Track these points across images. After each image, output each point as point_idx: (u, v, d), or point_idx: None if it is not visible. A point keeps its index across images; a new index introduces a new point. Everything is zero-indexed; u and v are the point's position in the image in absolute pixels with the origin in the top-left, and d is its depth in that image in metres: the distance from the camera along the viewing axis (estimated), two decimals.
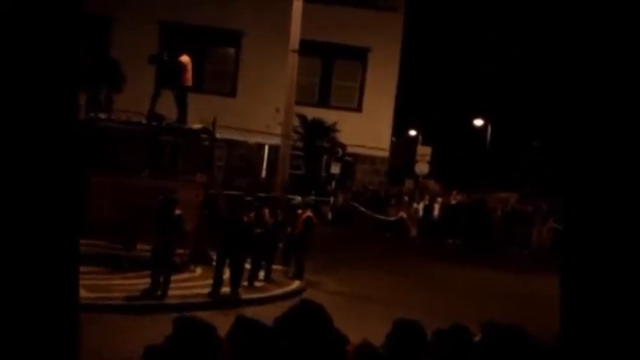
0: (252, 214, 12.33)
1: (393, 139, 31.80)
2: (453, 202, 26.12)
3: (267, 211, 13.42)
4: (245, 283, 12.31)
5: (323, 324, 3.46)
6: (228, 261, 11.80)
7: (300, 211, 14.69)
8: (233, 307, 10.54)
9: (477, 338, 3.94)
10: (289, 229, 14.35)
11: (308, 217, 14.63)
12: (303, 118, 25.44)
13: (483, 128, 43.65)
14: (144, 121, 14.99)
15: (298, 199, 16.59)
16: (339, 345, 3.54)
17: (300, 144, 25.32)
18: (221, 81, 27.36)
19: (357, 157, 27.80)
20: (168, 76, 15.11)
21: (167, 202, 11.39)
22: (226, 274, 11.89)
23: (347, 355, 3.52)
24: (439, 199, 26.18)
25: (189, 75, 15.09)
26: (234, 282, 11.70)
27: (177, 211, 11.34)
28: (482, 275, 17.35)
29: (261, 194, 17.31)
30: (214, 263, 12.13)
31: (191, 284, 12.25)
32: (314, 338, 3.38)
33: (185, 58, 15.11)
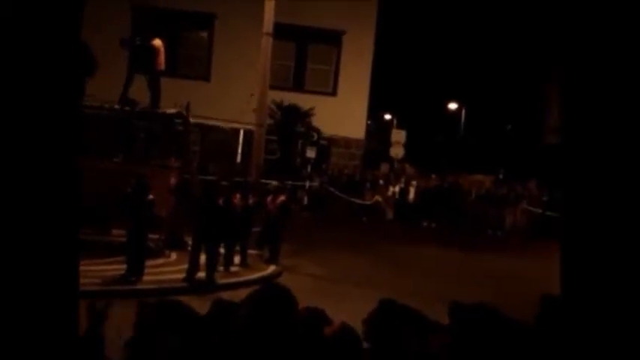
0: (221, 199, 12.26)
1: (369, 122, 31.83)
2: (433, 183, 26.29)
3: (238, 195, 13.35)
4: (221, 268, 12.28)
5: (286, 306, 3.45)
6: (203, 246, 11.76)
7: (271, 196, 14.66)
8: (209, 292, 10.50)
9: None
10: (264, 214, 14.33)
11: (283, 201, 14.61)
12: (279, 104, 25.36)
13: (457, 112, 43.90)
14: (117, 106, 14.83)
15: (274, 183, 16.56)
16: (312, 326, 3.53)
17: (275, 128, 25.24)
18: (194, 65, 27.13)
19: (333, 141, 27.79)
20: (140, 61, 14.96)
21: (139, 186, 11.31)
22: (202, 259, 11.85)
23: (327, 338, 3.52)
24: (414, 183, 26.30)
25: (161, 59, 14.95)
26: (210, 266, 11.66)
27: (150, 196, 11.27)
28: (457, 257, 17.49)
29: (236, 179, 17.25)
30: (189, 248, 12.08)
31: (166, 269, 12.20)
32: (276, 319, 3.37)
33: (157, 42, 14.96)
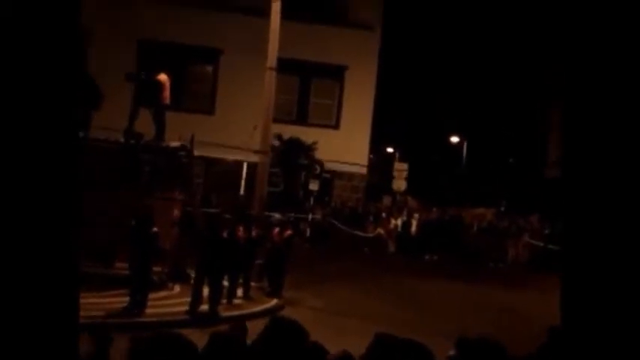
0: (225, 232, 12.33)
1: (371, 156, 31.97)
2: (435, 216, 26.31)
3: (241, 227, 13.42)
4: (224, 301, 12.30)
5: (297, 338, 3.53)
6: (206, 278, 11.81)
7: (277, 229, 14.73)
8: (212, 325, 10.52)
9: (451, 353, 4.00)
10: (268, 246, 14.40)
11: (290, 235, 14.72)
12: (280, 136, 25.53)
13: (459, 145, 44.04)
14: (122, 139, 14.98)
15: (277, 216, 16.64)
16: (316, 356, 3.60)
17: (278, 161, 25.38)
18: (199, 99, 27.36)
19: (335, 174, 27.89)
20: (146, 95, 15.12)
21: (143, 219, 11.39)
22: (205, 292, 11.88)
23: None
24: (416, 215, 26.34)
25: (167, 93, 15.12)
26: (213, 299, 11.69)
27: (154, 229, 11.35)
28: (459, 290, 17.46)
29: (240, 211, 17.32)
30: (192, 281, 12.13)
31: (169, 302, 12.22)
32: (289, 352, 3.44)
33: (163, 77, 15.15)
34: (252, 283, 13.84)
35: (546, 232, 25.04)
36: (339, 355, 3.66)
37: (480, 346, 3.93)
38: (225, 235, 12.22)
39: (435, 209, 27.33)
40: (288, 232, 14.73)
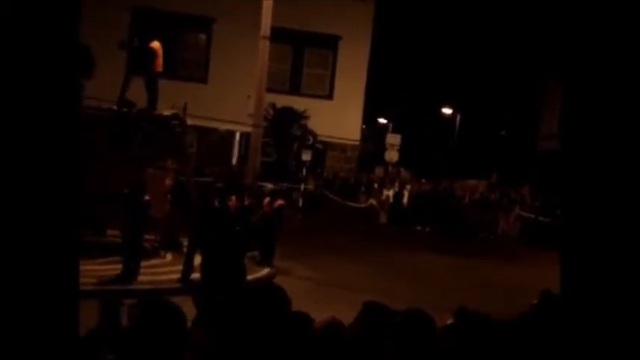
0: (216, 201, 12.34)
1: (364, 127, 31.97)
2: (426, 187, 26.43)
3: (233, 197, 13.43)
4: None
5: (280, 305, 3.58)
6: (199, 248, 11.85)
7: (268, 198, 14.77)
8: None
9: (449, 322, 4.04)
10: (259, 216, 14.44)
11: (281, 205, 14.75)
12: (273, 105, 25.48)
13: (452, 117, 44.04)
14: (114, 107, 14.93)
15: (269, 186, 16.67)
16: (302, 324, 3.65)
17: (270, 131, 25.37)
18: (192, 67, 27.23)
19: (328, 145, 27.90)
20: (138, 63, 15.06)
21: (135, 188, 11.43)
22: (198, 261, 11.94)
23: (315, 332, 3.63)
24: (408, 187, 26.43)
25: (159, 61, 15.05)
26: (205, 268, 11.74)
27: (146, 197, 11.39)
28: (450, 262, 17.62)
29: (232, 181, 17.34)
30: (185, 249, 12.18)
31: (161, 270, 12.30)
32: (272, 318, 3.49)
33: (156, 44, 15.07)
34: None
35: (537, 204, 25.18)
36: (328, 321, 3.71)
37: (479, 318, 3.97)
38: (216, 203, 12.24)
39: (423, 181, 27.42)
40: (280, 201, 14.76)
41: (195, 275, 11.64)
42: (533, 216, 24.28)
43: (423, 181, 27.40)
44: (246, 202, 13.95)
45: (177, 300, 3.59)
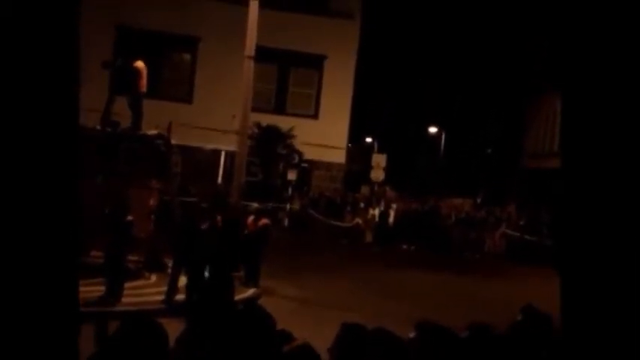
0: (204, 223, 12.27)
1: (349, 146, 32.02)
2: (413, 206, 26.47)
3: (219, 217, 13.37)
4: None
5: (264, 324, 3.53)
6: (183, 268, 11.75)
7: (253, 217, 14.69)
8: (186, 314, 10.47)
9: (411, 335, 4.01)
10: (243, 235, 14.36)
11: (265, 224, 14.66)
12: (258, 124, 25.46)
13: (437, 136, 44.23)
14: (98, 126, 14.83)
15: (255, 205, 16.58)
16: (284, 343, 3.60)
17: (256, 150, 25.33)
18: (177, 87, 27.21)
19: (314, 164, 27.90)
20: (122, 82, 14.98)
21: (118, 207, 11.33)
22: (182, 282, 11.83)
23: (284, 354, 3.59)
24: (394, 206, 26.44)
25: (143, 81, 14.98)
26: (191, 288, 11.63)
27: (129, 217, 11.29)
28: (436, 279, 17.57)
29: (217, 201, 17.24)
30: (169, 270, 12.07)
31: (145, 291, 12.16)
32: (254, 339, 3.44)
33: (140, 64, 15.00)
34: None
35: (522, 222, 25.25)
36: (298, 345, 3.66)
37: (438, 330, 3.96)
38: (205, 225, 12.15)
39: (413, 200, 27.46)
40: (264, 220, 14.68)
41: (181, 296, 11.54)
42: (518, 234, 24.32)
43: (413, 201, 27.44)
44: (231, 221, 13.88)
45: (162, 321, 3.53)
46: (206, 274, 12.35)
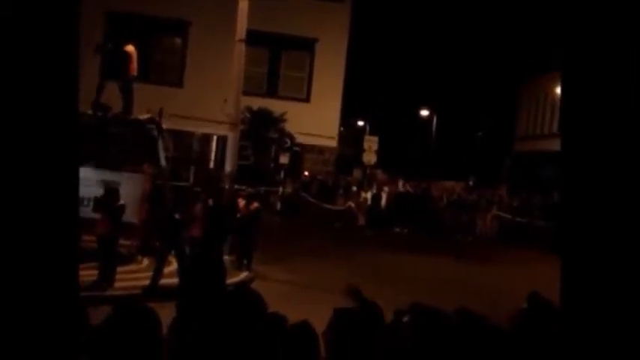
0: (198, 206, 12.29)
1: (341, 129, 32.00)
2: (402, 189, 26.51)
3: (210, 201, 13.39)
4: None
5: (255, 307, 3.55)
6: (173, 252, 11.78)
7: (244, 201, 14.70)
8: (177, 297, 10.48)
9: (405, 319, 4.03)
10: (235, 219, 14.38)
11: (256, 207, 14.67)
12: (249, 108, 25.40)
13: (429, 119, 44.23)
14: (89, 111, 14.77)
15: (247, 190, 16.58)
16: (276, 325, 3.63)
17: (248, 134, 25.28)
18: (168, 71, 27.09)
19: (306, 148, 27.88)
20: (113, 66, 14.92)
21: (109, 192, 11.33)
22: (173, 266, 11.86)
23: (287, 332, 3.61)
24: (386, 189, 26.49)
25: (134, 65, 14.92)
26: (182, 273, 11.65)
27: (120, 202, 11.29)
28: (428, 263, 17.65)
29: (210, 185, 17.25)
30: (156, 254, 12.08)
31: (137, 275, 12.18)
32: (248, 322, 3.47)
33: (130, 48, 14.94)
34: (225, 257, 13.84)
35: (514, 205, 25.35)
36: (299, 324, 3.69)
37: (432, 313, 3.98)
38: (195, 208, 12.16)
39: (400, 183, 27.50)
40: (255, 204, 14.69)
41: (172, 281, 11.55)
42: (510, 216, 24.42)
43: (400, 183, 27.47)
44: (224, 206, 13.90)
45: (152, 305, 3.54)
46: (197, 257, 12.40)
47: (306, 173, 27.44)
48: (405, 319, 4.05)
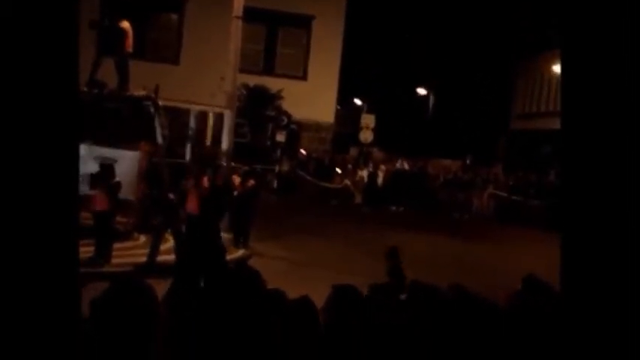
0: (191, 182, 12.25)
1: (338, 107, 31.91)
2: (400, 167, 26.52)
3: (205, 178, 13.34)
4: None
5: (254, 284, 3.55)
6: (170, 229, 11.79)
7: (240, 178, 14.68)
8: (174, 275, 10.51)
9: (402, 296, 4.04)
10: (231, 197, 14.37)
11: (253, 185, 14.66)
12: (246, 85, 25.29)
13: (426, 97, 44.13)
14: (85, 88, 14.69)
15: (244, 168, 16.56)
16: (276, 300, 3.63)
17: (244, 112, 25.19)
18: (164, 48, 26.92)
19: (302, 126, 27.80)
20: (108, 43, 14.82)
21: (105, 169, 11.31)
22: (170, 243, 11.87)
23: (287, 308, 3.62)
24: (383, 167, 26.48)
25: (129, 41, 14.83)
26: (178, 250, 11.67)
27: (116, 179, 11.28)
28: (424, 240, 17.68)
29: (206, 163, 17.21)
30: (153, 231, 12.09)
31: (134, 252, 12.20)
32: (245, 298, 3.47)
33: (125, 24, 14.83)
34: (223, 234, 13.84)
35: (510, 183, 25.37)
36: (299, 300, 3.69)
37: (429, 291, 3.99)
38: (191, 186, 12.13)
39: (399, 161, 27.46)
40: (252, 182, 14.67)
41: (168, 257, 11.58)
42: (506, 195, 24.45)
43: (399, 161, 27.43)
44: (220, 183, 13.87)
45: (150, 282, 3.54)
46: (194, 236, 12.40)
47: (303, 152, 27.40)
48: (403, 296, 4.07)
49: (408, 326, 3.75)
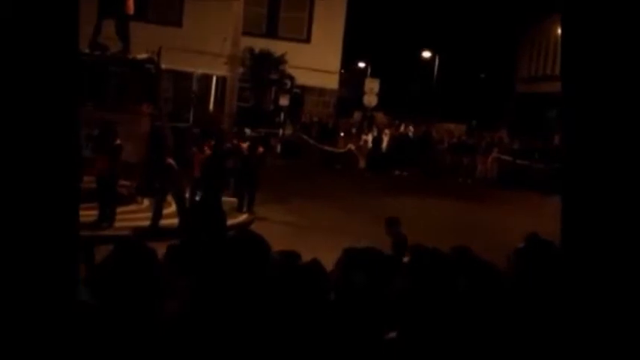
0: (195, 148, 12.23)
1: (342, 71, 31.71)
2: (403, 131, 26.45)
3: (210, 142, 13.31)
4: None
5: (259, 251, 3.53)
6: (172, 193, 11.77)
7: (247, 143, 14.63)
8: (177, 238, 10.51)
9: (405, 259, 4.03)
10: (238, 161, 14.35)
11: (262, 152, 14.68)
12: (250, 50, 25.08)
13: (431, 60, 43.82)
14: (86, 50, 14.56)
15: (247, 131, 16.50)
16: (290, 260, 3.62)
17: (248, 76, 25.04)
18: (166, 10, 26.64)
19: (306, 89, 27.65)
20: (109, 5, 14.65)
21: (107, 131, 11.25)
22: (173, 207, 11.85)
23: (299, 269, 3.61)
24: (387, 131, 26.37)
25: (130, 2, 14.64)
26: (181, 213, 11.66)
27: (117, 142, 11.22)
28: (428, 204, 17.66)
29: (209, 126, 17.15)
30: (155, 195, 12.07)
31: (137, 216, 12.19)
32: (250, 263, 3.44)
33: None
34: (229, 199, 13.84)
35: (515, 147, 25.26)
36: (309, 263, 3.68)
37: (431, 253, 3.99)
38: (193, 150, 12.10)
39: (402, 125, 27.36)
40: (261, 149, 14.65)
41: (171, 221, 11.57)
42: (510, 159, 24.35)
43: (402, 125, 27.34)
44: (223, 147, 13.84)
45: (153, 245, 3.52)
46: (196, 198, 12.40)
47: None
48: (405, 259, 4.06)
49: (412, 289, 3.73)
